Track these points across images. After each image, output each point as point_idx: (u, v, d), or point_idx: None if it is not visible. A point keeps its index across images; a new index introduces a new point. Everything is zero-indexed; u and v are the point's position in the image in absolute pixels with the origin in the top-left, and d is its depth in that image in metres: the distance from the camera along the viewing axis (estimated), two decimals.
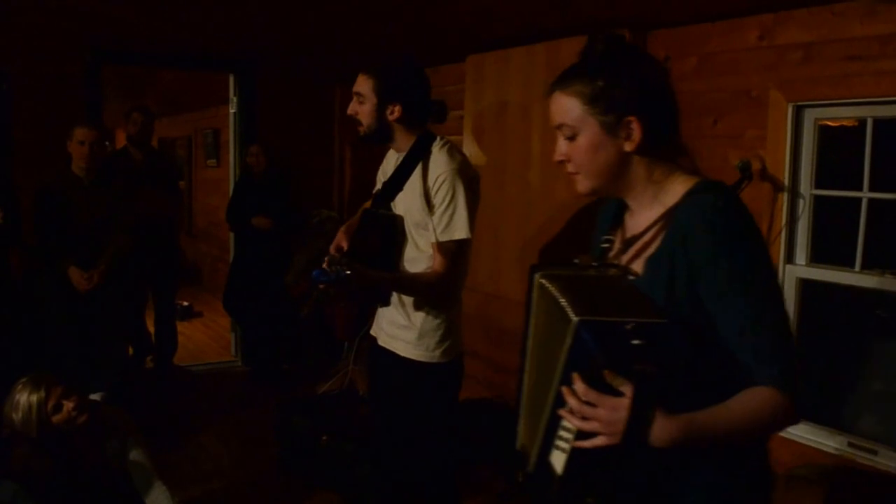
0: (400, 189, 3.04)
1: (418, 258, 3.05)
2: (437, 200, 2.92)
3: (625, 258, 1.84)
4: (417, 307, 3.04)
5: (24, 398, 3.26)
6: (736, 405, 1.60)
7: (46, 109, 5.58)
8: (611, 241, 1.94)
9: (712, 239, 1.62)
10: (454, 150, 3.03)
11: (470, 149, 5.35)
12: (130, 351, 6.21)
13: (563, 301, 1.62)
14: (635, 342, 1.48)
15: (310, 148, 7.21)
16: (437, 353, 3.06)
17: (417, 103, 3.03)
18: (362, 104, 3.01)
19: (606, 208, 2.03)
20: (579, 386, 1.56)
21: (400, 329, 3.09)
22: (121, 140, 6.45)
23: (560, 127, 1.82)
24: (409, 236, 3.06)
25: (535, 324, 1.87)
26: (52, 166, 5.03)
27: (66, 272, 4.88)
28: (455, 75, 5.62)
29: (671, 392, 1.55)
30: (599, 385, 1.54)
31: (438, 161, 2.97)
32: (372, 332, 3.31)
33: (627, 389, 1.52)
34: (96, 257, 4.96)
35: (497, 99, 5.15)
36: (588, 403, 1.56)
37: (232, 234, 7.15)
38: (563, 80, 1.82)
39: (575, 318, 1.54)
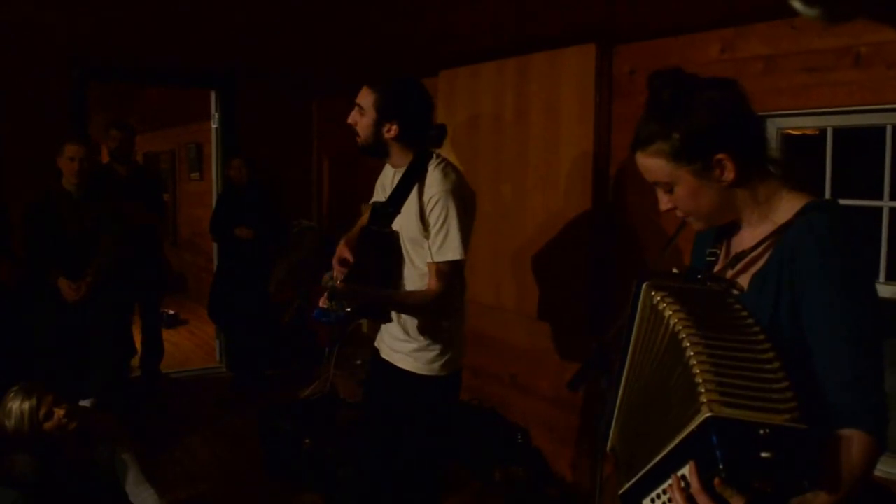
0: (399, 210, 2.95)
1: (413, 275, 2.98)
2: (431, 220, 2.85)
3: (731, 273, 1.76)
4: (415, 322, 2.97)
5: (17, 406, 3.27)
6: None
7: (35, 125, 5.53)
8: (716, 255, 1.87)
9: (821, 263, 1.56)
10: (449, 170, 2.94)
11: None
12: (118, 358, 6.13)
13: (691, 355, 1.49)
14: (764, 455, 1.34)
15: (289, 161, 7.15)
16: (436, 366, 2.99)
17: (415, 124, 2.95)
18: (362, 116, 2.94)
19: None
20: (693, 481, 1.45)
21: (399, 343, 3.02)
22: (106, 155, 6.39)
23: (656, 183, 1.76)
24: (405, 253, 2.98)
25: (641, 333, 1.77)
26: (41, 179, 4.99)
27: (56, 283, 4.83)
28: (429, 89, 5.55)
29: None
30: (710, 484, 1.42)
31: (433, 180, 2.88)
32: (375, 343, 3.25)
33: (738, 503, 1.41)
34: (84, 268, 4.92)
35: (469, 112, 5.10)
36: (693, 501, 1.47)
37: (216, 245, 7.08)
38: (641, 141, 1.74)
39: (706, 412, 1.40)
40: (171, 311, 9.09)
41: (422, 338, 2.97)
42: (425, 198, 2.87)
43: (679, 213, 1.79)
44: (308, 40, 4.89)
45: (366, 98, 2.93)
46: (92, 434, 3.49)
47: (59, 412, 3.29)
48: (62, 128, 5.52)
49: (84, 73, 6.01)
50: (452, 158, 5.16)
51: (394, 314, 3.01)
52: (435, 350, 2.98)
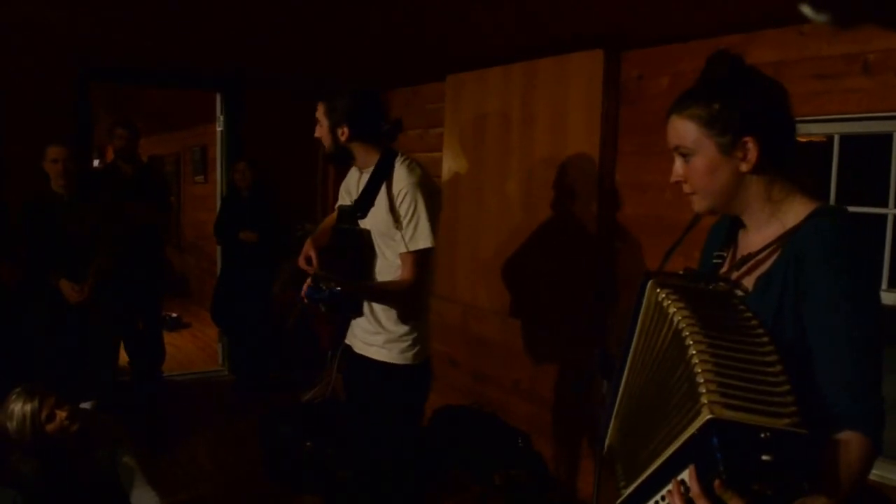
0: (371, 205, 3.16)
1: (385, 268, 3.19)
2: (401, 212, 3.06)
3: (736, 275, 1.78)
4: (387, 315, 3.18)
5: (19, 408, 3.26)
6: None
7: (37, 127, 5.50)
8: (723, 257, 1.89)
9: (826, 267, 1.58)
10: (414, 165, 3.18)
11: (450, 164, 5.32)
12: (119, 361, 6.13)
13: (693, 353, 1.49)
14: (765, 458, 1.35)
15: (294, 164, 7.13)
16: (409, 355, 3.21)
17: (363, 123, 3.17)
18: (321, 128, 3.23)
19: (718, 225, 1.98)
20: (692, 485, 1.45)
21: (372, 336, 3.22)
22: (111, 156, 6.38)
23: (676, 148, 1.78)
24: (377, 248, 3.19)
25: (644, 329, 1.79)
26: (41, 180, 4.96)
27: (57, 284, 4.82)
28: (436, 94, 5.58)
29: None
30: (710, 487, 1.41)
31: (400, 176, 3.11)
32: (347, 340, 3.41)
33: None
34: (86, 270, 4.90)
35: (476, 116, 5.11)
36: None
37: (219, 248, 7.09)
38: (680, 104, 1.77)
39: (707, 414, 1.41)
40: (174, 314, 9.12)
41: (394, 329, 3.18)
42: (394, 191, 3.10)
43: (686, 188, 1.80)
44: (314, 44, 4.89)
45: (319, 111, 3.23)
46: (93, 436, 3.48)
47: (61, 414, 3.29)
48: (64, 129, 5.49)
49: (86, 74, 6.00)
50: (460, 162, 5.18)
51: (366, 309, 3.20)
52: (407, 340, 3.20)
